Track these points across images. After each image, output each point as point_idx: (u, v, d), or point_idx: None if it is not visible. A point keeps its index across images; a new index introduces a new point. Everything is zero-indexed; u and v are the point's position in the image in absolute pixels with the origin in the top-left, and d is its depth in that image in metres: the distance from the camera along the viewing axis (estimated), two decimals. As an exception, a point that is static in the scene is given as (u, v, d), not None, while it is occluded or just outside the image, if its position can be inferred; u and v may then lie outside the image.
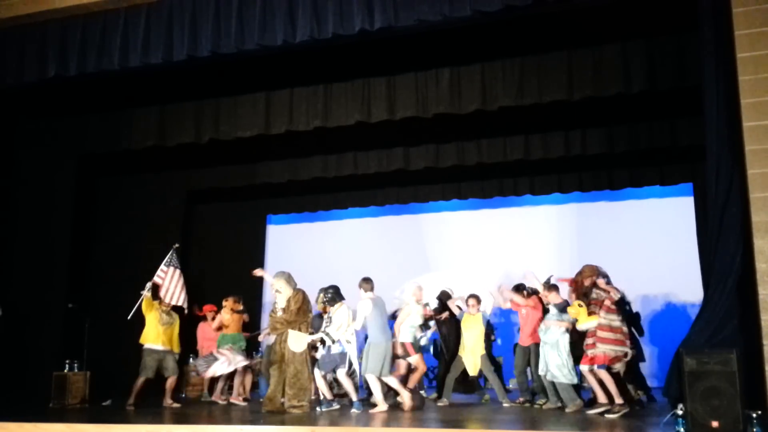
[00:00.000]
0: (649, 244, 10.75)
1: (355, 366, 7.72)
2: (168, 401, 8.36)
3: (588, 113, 8.70)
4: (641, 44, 7.57)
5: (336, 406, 7.58)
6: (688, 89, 6.99)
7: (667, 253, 10.48)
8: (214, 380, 8.95)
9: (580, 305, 7.14)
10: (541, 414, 7.10)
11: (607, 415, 6.67)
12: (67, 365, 8.65)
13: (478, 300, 8.36)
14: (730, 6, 5.81)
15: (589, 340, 7.01)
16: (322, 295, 7.99)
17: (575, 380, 7.30)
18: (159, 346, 8.36)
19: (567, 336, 7.39)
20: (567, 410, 7.16)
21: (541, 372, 7.49)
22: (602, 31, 7.41)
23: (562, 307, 7.49)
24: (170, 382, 8.46)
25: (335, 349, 7.54)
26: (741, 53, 5.71)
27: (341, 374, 7.55)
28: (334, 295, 7.73)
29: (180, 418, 7.05)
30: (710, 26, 6.14)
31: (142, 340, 8.42)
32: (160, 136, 9.10)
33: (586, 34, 7.48)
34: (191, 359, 9.76)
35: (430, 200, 11.96)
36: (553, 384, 7.41)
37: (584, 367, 7.02)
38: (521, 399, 8.04)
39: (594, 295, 7.19)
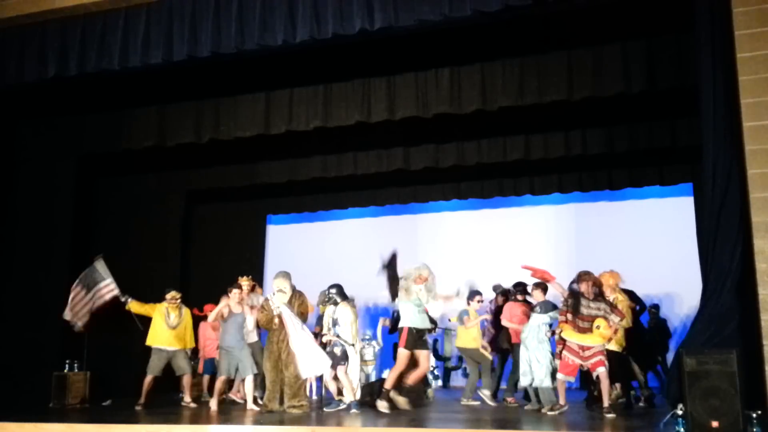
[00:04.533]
0: (649, 244, 10.75)
1: (355, 366, 7.71)
2: (186, 399, 8.28)
3: (588, 113, 8.69)
4: (641, 44, 7.56)
5: (342, 406, 7.59)
6: (688, 89, 6.98)
7: (667, 253, 10.48)
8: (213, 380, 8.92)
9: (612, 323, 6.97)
10: (540, 415, 7.07)
11: (607, 415, 6.65)
12: (67, 365, 8.64)
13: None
14: (730, 6, 5.81)
15: (585, 353, 6.93)
16: (323, 294, 7.97)
17: (551, 383, 7.26)
18: (167, 347, 8.27)
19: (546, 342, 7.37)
20: (544, 411, 7.12)
21: (525, 383, 7.42)
22: (602, 31, 7.40)
23: (549, 307, 7.45)
24: (186, 380, 8.40)
25: (338, 349, 7.56)
26: (741, 53, 5.71)
27: (341, 372, 7.55)
28: (336, 294, 7.71)
29: (180, 418, 7.05)
30: (707, 26, 6.14)
31: (148, 342, 8.30)
32: (160, 136, 9.09)
33: (586, 34, 7.47)
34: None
35: (429, 200, 11.97)
36: (534, 388, 7.39)
37: (562, 377, 7.02)
38: (512, 399, 8.05)
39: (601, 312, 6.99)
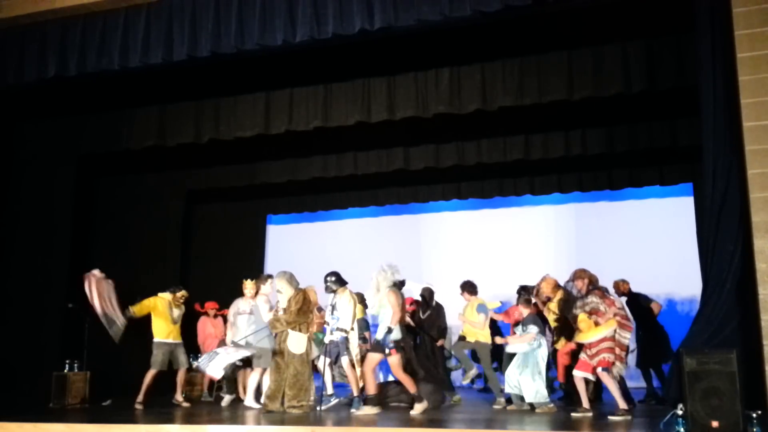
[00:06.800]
0: (649, 244, 10.76)
1: (354, 355, 7.70)
2: (179, 398, 8.36)
3: (588, 113, 8.70)
4: (641, 44, 7.57)
5: (334, 401, 7.57)
6: (688, 89, 6.99)
7: (667, 253, 10.49)
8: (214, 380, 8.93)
9: (590, 317, 6.79)
10: (540, 415, 7.06)
11: (610, 417, 6.61)
12: (67, 365, 8.63)
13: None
14: (730, 6, 5.81)
15: (590, 350, 6.79)
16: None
17: (547, 400, 7.18)
18: (170, 340, 8.35)
19: (538, 352, 7.28)
20: (538, 411, 7.10)
21: (511, 389, 7.38)
22: (602, 31, 7.41)
23: (528, 322, 7.40)
24: (181, 375, 8.46)
25: (337, 337, 7.59)
26: (741, 53, 5.72)
27: (345, 364, 7.55)
28: (335, 281, 7.73)
29: (180, 418, 7.04)
30: (707, 26, 6.15)
31: (155, 336, 8.36)
32: (160, 136, 9.10)
33: (586, 34, 7.48)
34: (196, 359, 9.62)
35: (430, 200, 11.98)
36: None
37: (579, 373, 6.82)
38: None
39: (591, 305, 6.82)
